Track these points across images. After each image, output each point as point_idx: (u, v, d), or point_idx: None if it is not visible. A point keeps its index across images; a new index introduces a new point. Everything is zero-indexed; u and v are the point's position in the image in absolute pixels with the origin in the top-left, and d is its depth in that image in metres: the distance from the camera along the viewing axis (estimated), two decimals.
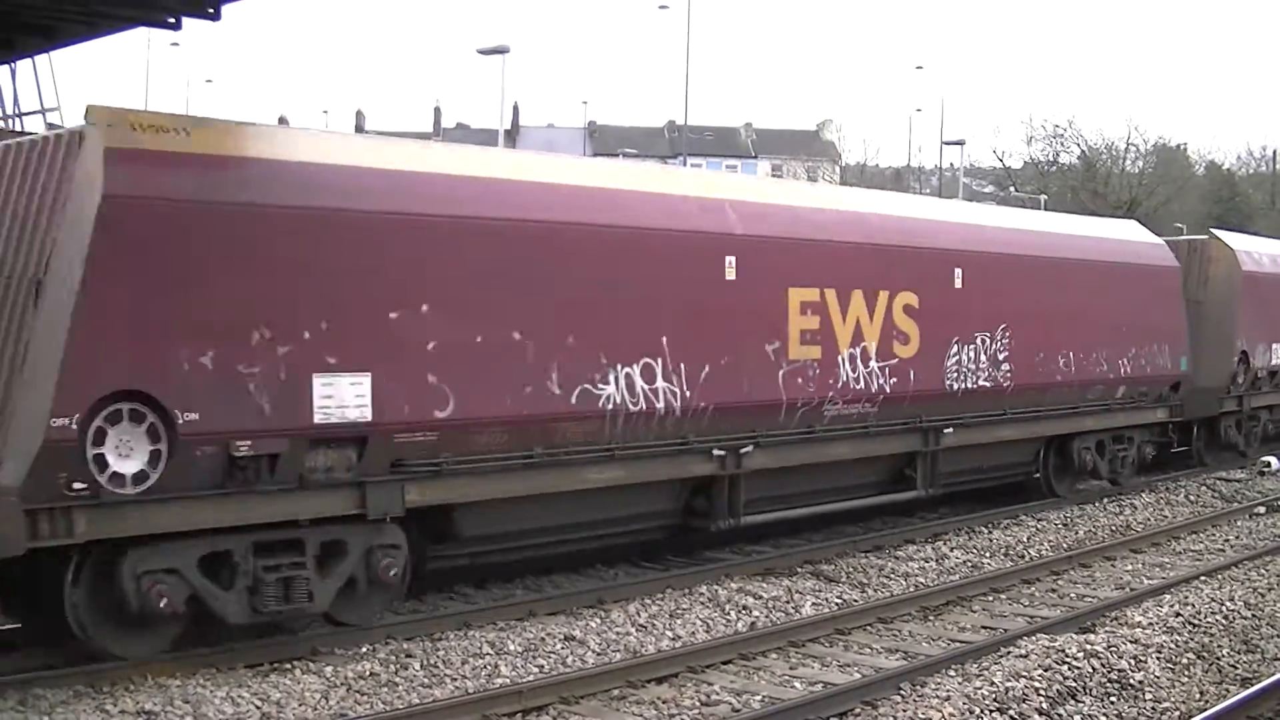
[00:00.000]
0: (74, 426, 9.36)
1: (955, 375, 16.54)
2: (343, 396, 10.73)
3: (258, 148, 10.65)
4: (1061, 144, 73.42)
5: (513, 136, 79.90)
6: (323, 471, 10.82)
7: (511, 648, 10.95)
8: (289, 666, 10.36)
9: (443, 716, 9.19)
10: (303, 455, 10.61)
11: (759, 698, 9.93)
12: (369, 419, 10.86)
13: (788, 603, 12.93)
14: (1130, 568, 15.10)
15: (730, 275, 13.73)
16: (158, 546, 9.96)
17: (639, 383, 12.80)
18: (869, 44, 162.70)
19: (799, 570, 14.35)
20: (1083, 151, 72.93)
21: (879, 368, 15.35)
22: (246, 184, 10.34)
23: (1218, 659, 11.04)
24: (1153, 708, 9.70)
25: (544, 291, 12.06)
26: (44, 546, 9.44)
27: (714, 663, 10.77)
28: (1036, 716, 9.29)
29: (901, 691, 9.90)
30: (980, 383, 16.90)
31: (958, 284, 16.58)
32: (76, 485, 9.46)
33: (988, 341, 17.02)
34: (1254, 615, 12.40)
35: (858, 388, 15.10)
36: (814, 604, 12.98)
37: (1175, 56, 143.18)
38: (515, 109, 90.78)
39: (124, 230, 9.61)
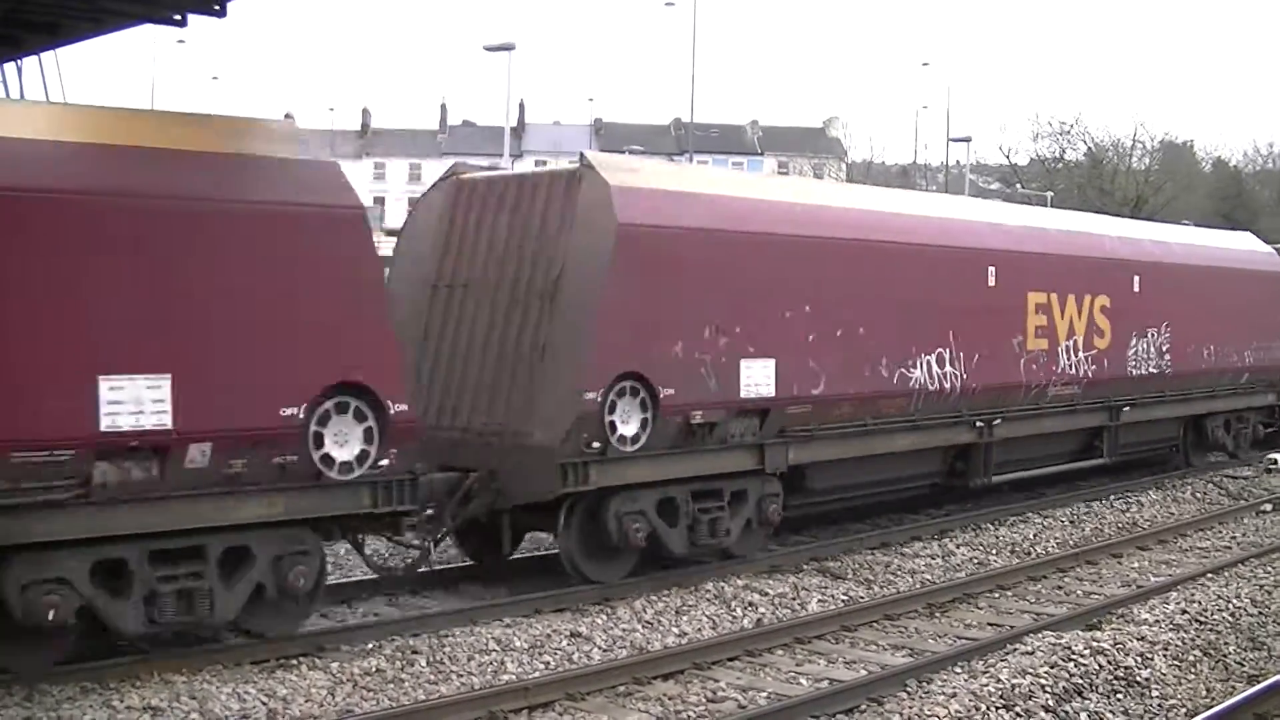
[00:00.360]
0: (599, 400, 12.42)
1: (1134, 363, 20.06)
2: (758, 377, 13.87)
3: (684, 182, 14.11)
4: (1068, 141, 73.51)
5: (519, 134, 79.95)
6: (738, 436, 13.86)
7: (518, 644, 10.96)
8: (295, 662, 10.36)
9: (449, 713, 9.19)
10: (729, 423, 13.69)
11: (765, 694, 9.94)
12: (773, 395, 14.03)
13: (794, 599, 12.93)
14: (1137, 565, 15.08)
15: (991, 282, 17.16)
16: (632, 493, 12.88)
17: (934, 367, 16.07)
18: (875, 41, 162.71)
19: (805, 567, 14.35)
20: (1089, 148, 72.96)
21: (1084, 356, 18.86)
22: (694, 213, 13.48)
23: (1224, 656, 11.03)
24: (1159, 705, 9.69)
25: (876, 296, 15.31)
26: (566, 493, 12.41)
27: (720, 659, 10.77)
28: (1043, 713, 9.28)
29: (908, 688, 9.89)
30: (1149, 369, 20.40)
31: (1136, 288, 20.09)
32: (594, 445, 12.46)
33: (1155, 335, 20.49)
34: (1260, 613, 12.39)
35: (1071, 373, 18.57)
36: (820, 601, 12.99)
37: (1182, 53, 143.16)
38: (521, 106, 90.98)
39: (629, 251, 12.64)
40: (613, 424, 12.58)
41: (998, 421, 17.22)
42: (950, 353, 16.24)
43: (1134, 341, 19.98)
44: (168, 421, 9.73)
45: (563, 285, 12.65)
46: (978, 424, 16.94)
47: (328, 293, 10.61)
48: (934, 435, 16.48)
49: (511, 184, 13.75)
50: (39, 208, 9.32)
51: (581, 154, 13.36)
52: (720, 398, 13.46)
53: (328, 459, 10.63)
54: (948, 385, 16.22)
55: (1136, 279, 20.11)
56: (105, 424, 9.46)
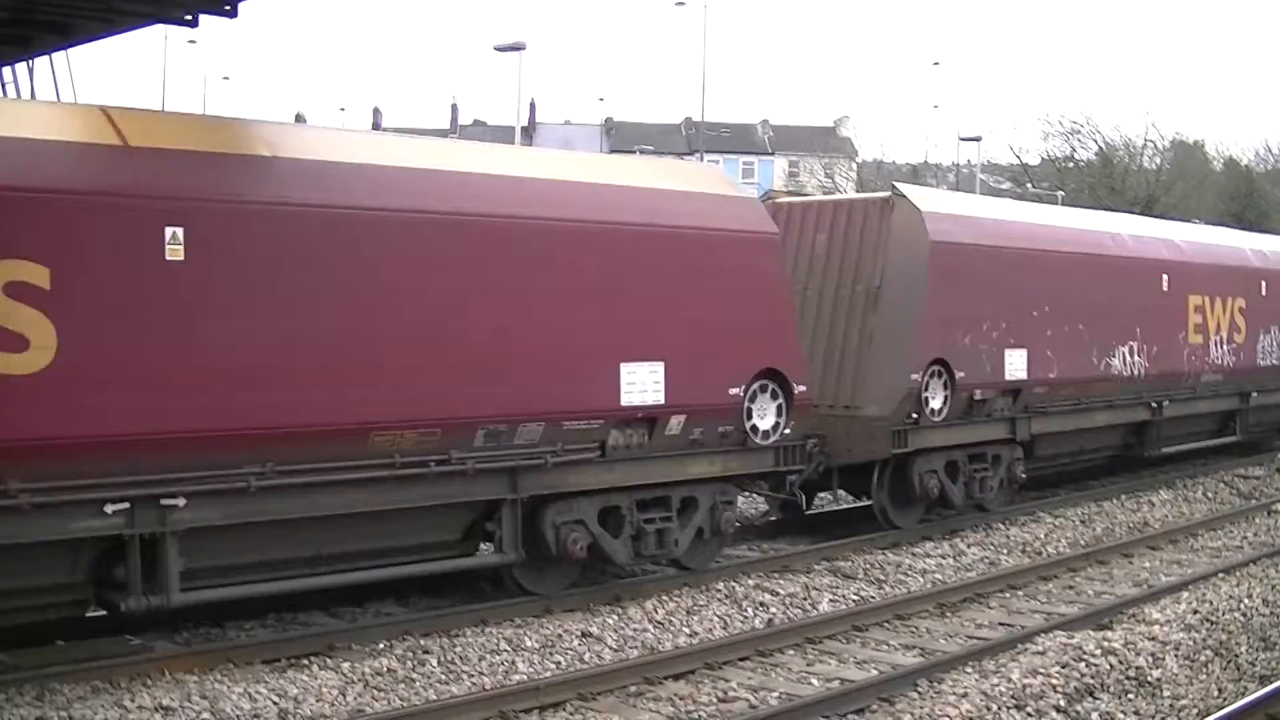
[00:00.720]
0: (919, 379, 15.64)
1: (1260, 355, 23.37)
2: (1016, 363, 17.14)
3: (965, 207, 17.88)
4: (1079, 140, 73.16)
5: (530, 134, 79.89)
6: (999, 411, 17.13)
7: (529, 644, 10.96)
8: (306, 662, 10.37)
9: (460, 713, 9.21)
10: (995, 400, 17.02)
11: (776, 694, 9.94)
12: (1025, 378, 17.30)
13: (805, 599, 12.93)
14: (1148, 565, 15.06)
15: (1164, 288, 20.63)
16: (930, 456, 16.15)
17: (1126, 357, 19.45)
18: (885, 40, 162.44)
19: (816, 567, 14.35)
20: (1100, 148, 72.66)
21: (1227, 349, 22.16)
22: (975, 232, 16.77)
23: (1236, 656, 11.00)
24: (1170, 705, 9.66)
25: (1090, 298, 18.57)
26: (895, 454, 15.70)
27: (731, 659, 10.78)
28: (1054, 713, 9.28)
29: (919, 688, 9.90)
30: (1272, 361, 23.70)
31: (1263, 292, 23.52)
32: (912, 416, 15.69)
33: (1275, 331, 23.81)
34: (1272, 613, 12.34)
35: (1218, 363, 21.91)
36: (831, 600, 12.99)
37: (1193, 53, 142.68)
38: (532, 106, 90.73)
39: (937, 262, 15.87)
40: (926, 399, 15.84)
41: (1166, 403, 20.56)
42: (1136, 345, 19.72)
43: (1261, 337, 23.39)
44: (661, 398, 12.61)
45: (883, 290, 15.83)
46: (1153, 404, 20.35)
47: (759, 298, 13.54)
48: (1123, 413, 19.88)
49: (827, 207, 17.07)
50: (621, 237, 12.49)
51: (893, 185, 17.31)
52: (992, 379, 16.88)
53: (754, 428, 13.51)
54: (1133, 372, 19.66)
55: (1264, 284, 23.65)
56: (624, 400, 12.39)
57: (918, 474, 16.01)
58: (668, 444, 12.84)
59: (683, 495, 13.11)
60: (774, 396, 13.59)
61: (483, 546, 12.22)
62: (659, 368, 12.56)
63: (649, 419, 12.59)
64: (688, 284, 12.87)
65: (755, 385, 13.40)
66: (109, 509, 9.58)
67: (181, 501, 9.87)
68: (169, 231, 9.63)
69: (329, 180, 10.71)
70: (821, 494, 17.40)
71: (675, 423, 12.80)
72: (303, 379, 10.37)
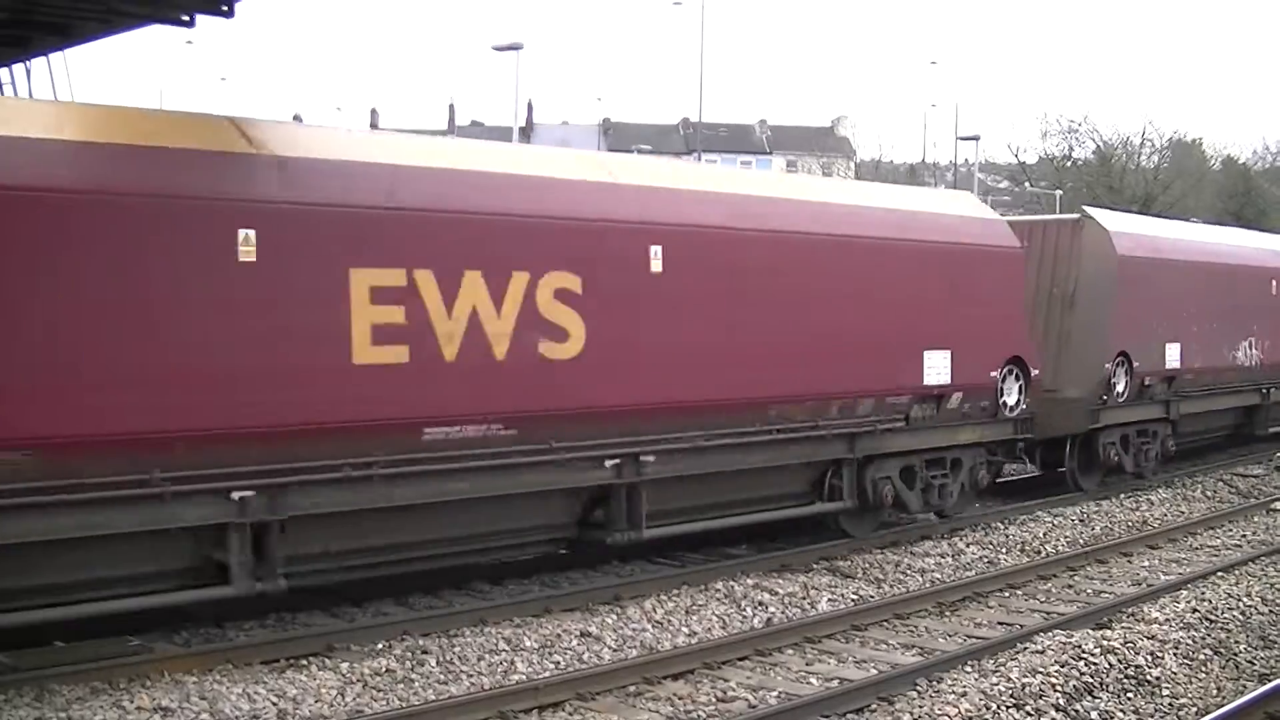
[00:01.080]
0: (1110, 368, 19.34)
1: None
2: (1172, 355, 20.81)
3: (1136, 226, 22.23)
4: (1077, 139, 73.29)
5: (527, 134, 79.91)
6: (1158, 395, 20.79)
7: (528, 644, 10.96)
8: (305, 663, 10.37)
9: (459, 713, 9.20)
10: (1156, 385, 20.69)
11: (775, 694, 9.93)
12: (1179, 366, 21.04)
13: (804, 599, 12.92)
14: (1147, 564, 15.07)
15: (1274, 291, 24.51)
16: (1111, 431, 19.72)
17: (1246, 350, 23.23)
18: (883, 40, 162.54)
19: (815, 566, 14.35)
20: (1098, 146, 72.79)
21: None
22: (1148, 247, 20.64)
23: (1235, 655, 11.01)
24: (1169, 704, 9.67)
25: (1223, 300, 22.31)
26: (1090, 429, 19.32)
27: (730, 659, 10.77)
28: (1053, 712, 9.27)
29: (918, 687, 9.89)
30: None
31: None
32: (1103, 398, 19.35)
33: None
34: (1271, 611, 12.35)
35: None
36: (830, 600, 12.98)
37: (1191, 51, 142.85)
38: (530, 106, 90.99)
39: (1124, 273, 19.55)
40: (1114, 384, 19.46)
41: (1274, 389, 24.32)
42: (1254, 340, 23.44)
43: None
44: (948, 379, 16.08)
45: (1077, 295, 19.43)
46: (1263, 390, 24.05)
47: (1008, 299, 17.17)
48: (1241, 397, 23.68)
49: (1024, 226, 20.07)
50: (921, 252, 15.89)
51: (1082, 208, 21.32)
52: (1157, 368, 20.52)
53: (1004, 404, 17.06)
54: (1251, 362, 23.43)
55: None
56: (925, 380, 15.89)
57: (1102, 445, 19.66)
58: (948, 416, 16.38)
59: (954, 457, 16.48)
60: (1017, 378, 17.25)
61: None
62: (947, 354, 16.08)
63: (938, 395, 16.15)
64: (963, 288, 16.30)
65: (1005, 369, 17.07)
66: (608, 464, 12.70)
67: (651, 458, 12.87)
68: (652, 249, 12.95)
69: (784, 212, 14.70)
70: (1011, 465, 20.23)
71: (955, 398, 16.38)
72: (756, 362, 13.94)
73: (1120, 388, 19.63)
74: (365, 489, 10.99)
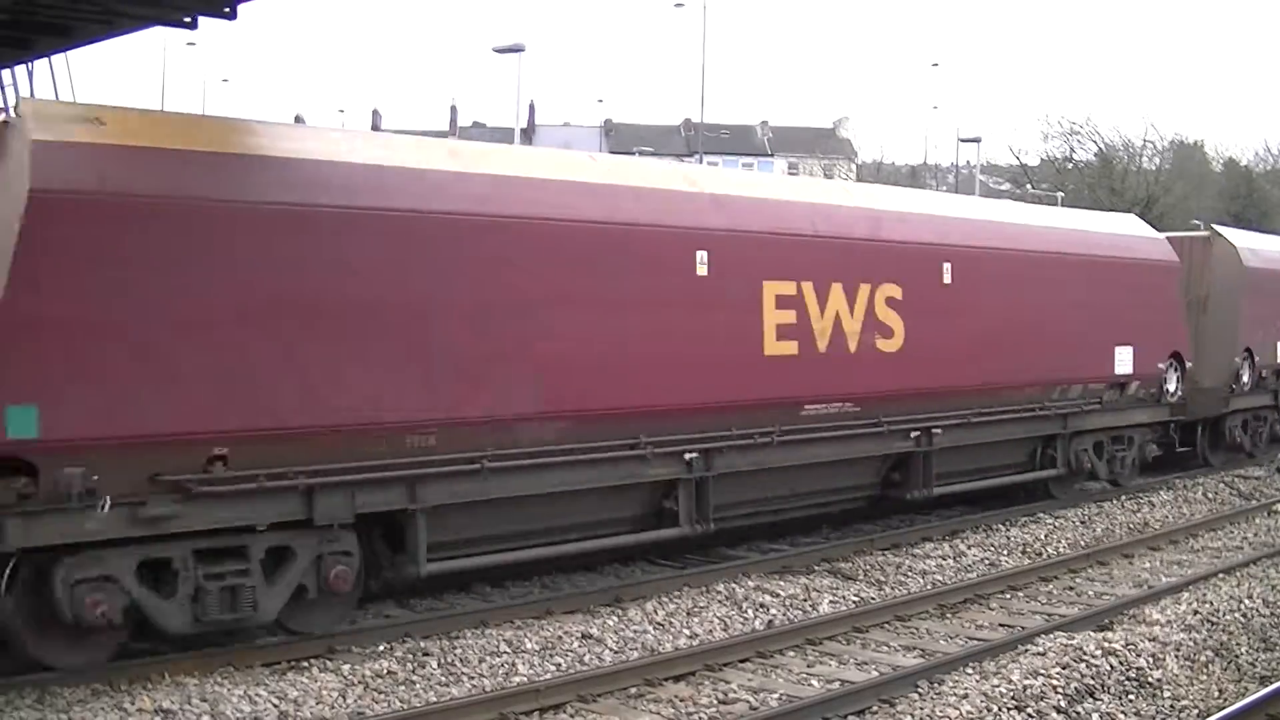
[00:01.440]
0: (1239, 361, 22.55)
1: None
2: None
3: (1252, 241, 24.67)
4: (1078, 141, 73.20)
5: (529, 135, 79.88)
6: (1269, 385, 23.73)
7: (529, 646, 10.96)
8: (306, 665, 10.37)
9: (460, 715, 9.20)
10: (1271, 378, 23.62)
11: (776, 696, 9.93)
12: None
13: (805, 601, 12.92)
14: (1148, 565, 15.06)
15: None
16: (1236, 416, 23.09)
17: None
18: (885, 42, 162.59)
19: (816, 568, 14.35)
20: (1099, 149, 72.66)
21: None
22: (1263, 258, 23.59)
23: (1236, 657, 11.01)
24: (1171, 706, 9.67)
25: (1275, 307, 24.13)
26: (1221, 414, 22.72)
27: (731, 661, 10.77)
28: (1054, 714, 9.27)
29: (919, 689, 9.89)
30: None
31: None
32: (1231, 387, 22.47)
33: None
34: (1273, 613, 12.35)
35: None
36: (831, 602, 12.98)
37: (1192, 53, 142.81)
38: (531, 108, 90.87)
39: (1250, 282, 22.70)
40: (1240, 375, 22.43)
41: None
42: None
43: None
44: (1130, 369, 19.30)
45: (1209, 300, 22.42)
46: None
47: (1169, 304, 20.48)
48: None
49: (1179, 243, 22.47)
50: (1109, 266, 19.24)
51: (1212, 226, 25.40)
52: (1272, 362, 23.46)
53: (1166, 391, 20.26)
54: None
55: None
56: (1115, 370, 19.17)
57: (1228, 428, 22.97)
58: (1128, 400, 19.64)
59: (1129, 435, 19.86)
60: (1175, 370, 20.43)
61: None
62: (1130, 349, 19.35)
63: (1122, 383, 19.40)
64: (1138, 295, 19.58)
65: (1168, 361, 20.24)
66: (911, 434, 15.95)
67: (939, 431, 16.21)
68: (944, 265, 16.30)
69: (1028, 235, 18.22)
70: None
71: (1134, 386, 19.65)
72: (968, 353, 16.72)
73: (1245, 378, 22.74)
74: (765, 453, 14.04)
